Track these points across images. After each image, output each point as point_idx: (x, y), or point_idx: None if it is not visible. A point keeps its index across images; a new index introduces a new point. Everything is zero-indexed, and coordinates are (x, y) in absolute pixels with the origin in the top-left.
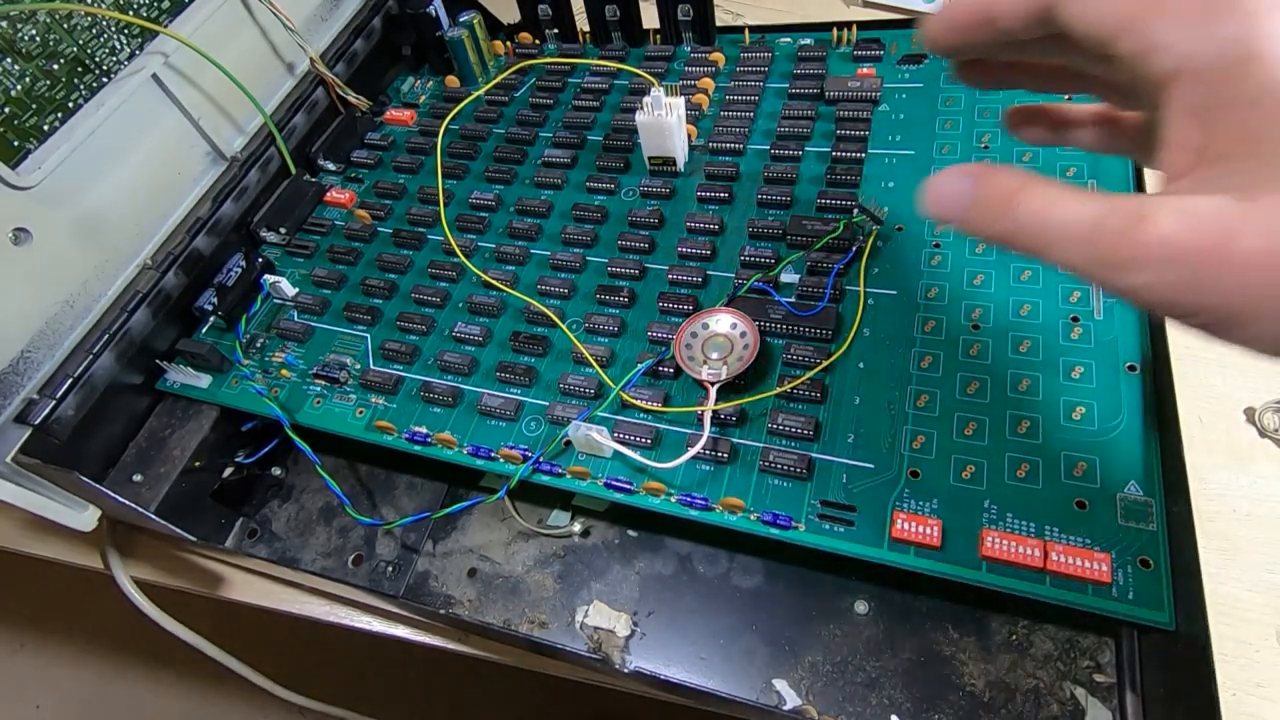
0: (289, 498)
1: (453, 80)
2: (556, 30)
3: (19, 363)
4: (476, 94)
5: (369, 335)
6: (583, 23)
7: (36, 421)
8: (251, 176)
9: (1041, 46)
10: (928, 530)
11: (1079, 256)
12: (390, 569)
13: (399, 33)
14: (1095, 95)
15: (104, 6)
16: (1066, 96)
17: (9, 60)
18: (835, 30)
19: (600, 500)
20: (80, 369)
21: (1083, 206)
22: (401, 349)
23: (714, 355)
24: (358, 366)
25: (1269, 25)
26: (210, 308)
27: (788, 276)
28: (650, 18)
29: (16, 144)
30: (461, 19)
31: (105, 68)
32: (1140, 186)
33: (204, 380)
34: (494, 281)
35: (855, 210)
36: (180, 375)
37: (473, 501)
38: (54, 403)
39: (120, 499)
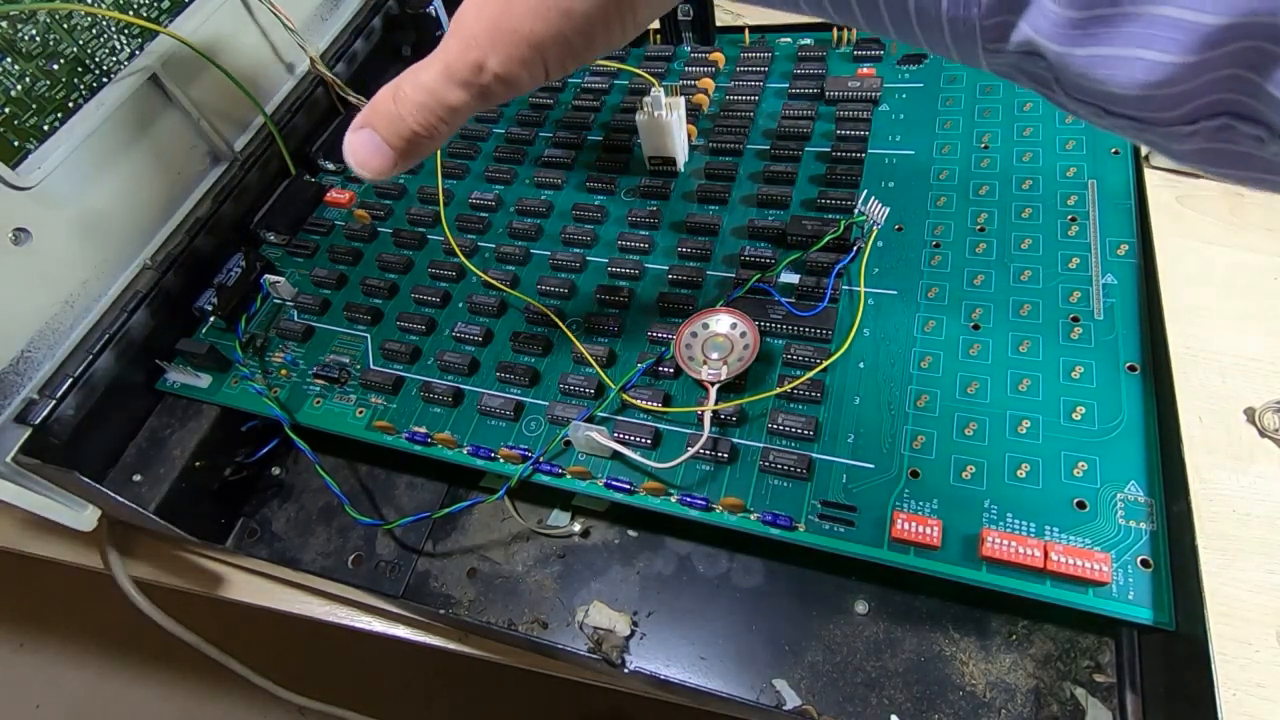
0: (289, 498)
1: None
2: None
3: (19, 363)
4: None
5: (369, 335)
6: None
7: (36, 421)
8: (251, 176)
9: None
10: (928, 530)
11: (457, 84)
12: (390, 569)
13: (399, 33)
14: None
15: (104, 6)
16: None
17: (9, 60)
18: (835, 30)
19: (600, 500)
20: (80, 369)
21: (423, 70)
22: (401, 349)
23: (714, 355)
24: (358, 366)
25: None
26: (210, 308)
27: (788, 276)
28: None
29: (16, 144)
30: None
31: (105, 68)
32: (1140, 185)
33: (204, 380)
34: (494, 281)
35: (856, 210)
36: (180, 375)
37: (473, 501)
38: (54, 403)
39: (120, 499)
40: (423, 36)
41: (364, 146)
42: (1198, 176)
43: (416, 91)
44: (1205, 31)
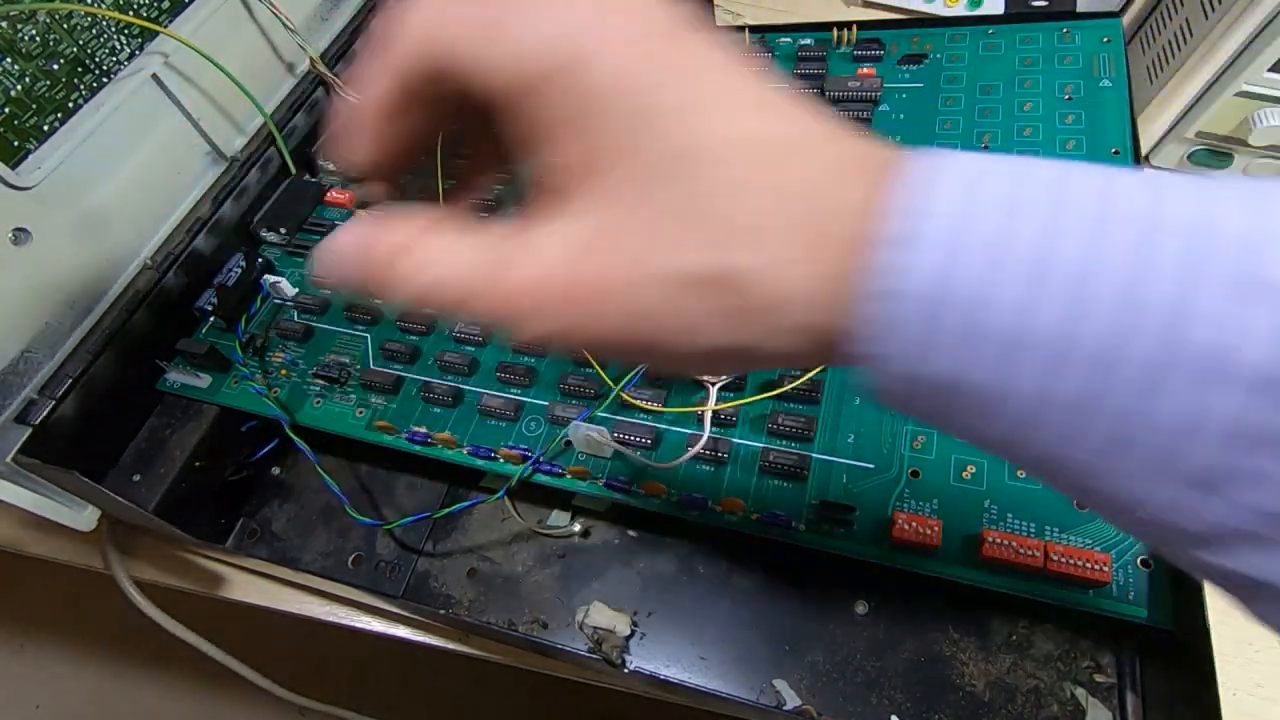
0: (289, 498)
1: None
2: None
3: (19, 363)
4: None
5: (369, 335)
6: None
7: (36, 421)
8: (251, 176)
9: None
10: (928, 530)
11: (478, 315)
12: (390, 569)
13: None
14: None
15: (104, 6)
16: None
17: (9, 60)
18: (835, 30)
19: (600, 500)
20: (80, 369)
21: (456, 260)
22: (401, 349)
23: None
24: (358, 366)
25: (595, 20)
26: (210, 308)
27: None
28: None
29: (16, 144)
30: None
31: (105, 68)
32: None
33: (204, 380)
34: None
35: None
36: (180, 375)
37: (473, 501)
38: (54, 403)
39: (120, 499)
40: None
41: (342, 260)
42: None
43: (434, 283)
44: None
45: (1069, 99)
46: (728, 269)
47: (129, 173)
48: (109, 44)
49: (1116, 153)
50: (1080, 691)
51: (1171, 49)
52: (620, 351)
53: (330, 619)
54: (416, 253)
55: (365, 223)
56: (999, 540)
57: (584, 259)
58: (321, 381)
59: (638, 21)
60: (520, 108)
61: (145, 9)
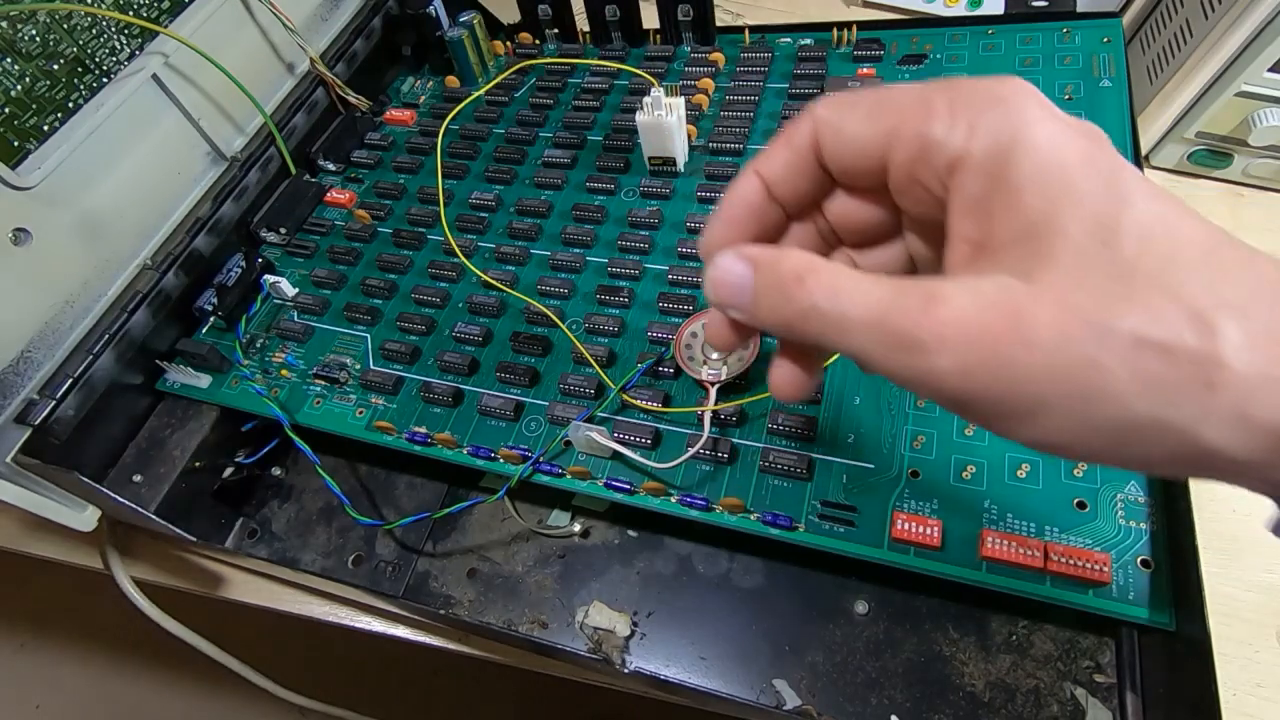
0: (289, 498)
1: (453, 80)
2: (556, 30)
3: (19, 363)
4: (476, 94)
5: (369, 335)
6: (583, 23)
7: (36, 421)
8: (251, 176)
9: (817, 209)
10: (928, 530)
11: (871, 340)
12: (390, 569)
13: (399, 33)
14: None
15: (104, 6)
16: None
17: (9, 60)
18: (835, 30)
19: (600, 500)
20: (80, 369)
21: (874, 287)
22: (401, 349)
23: (714, 355)
24: (358, 366)
25: (1030, 112)
26: (210, 308)
27: None
28: (650, 18)
29: (16, 144)
30: (461, 19)
31: (105, 68)
32: None
33: (204, 380)
34: (494, 281)
35: None
36: (180, 375)
37: (473, 502)
38: (54, 403)
39: (120, 499)
40: (423, 37)
41: (747, 274)
42: (1197, 177)
43: (840, 304)
44: None
45: (1069, 99)
46: (1203, 340)
47: (129, 173)
48: (109, 44)
49: None
50: (1080, 691)
51: (1171, 49)
52: (1007, 402)
53: (330, 619)
54: (826, 275)
55: (763, 246)
56: (999, 540)
57: (1011, 307)
58: (321, 382)
59: (1063, 121)
60: (945, 184)
61: (145, 9)
